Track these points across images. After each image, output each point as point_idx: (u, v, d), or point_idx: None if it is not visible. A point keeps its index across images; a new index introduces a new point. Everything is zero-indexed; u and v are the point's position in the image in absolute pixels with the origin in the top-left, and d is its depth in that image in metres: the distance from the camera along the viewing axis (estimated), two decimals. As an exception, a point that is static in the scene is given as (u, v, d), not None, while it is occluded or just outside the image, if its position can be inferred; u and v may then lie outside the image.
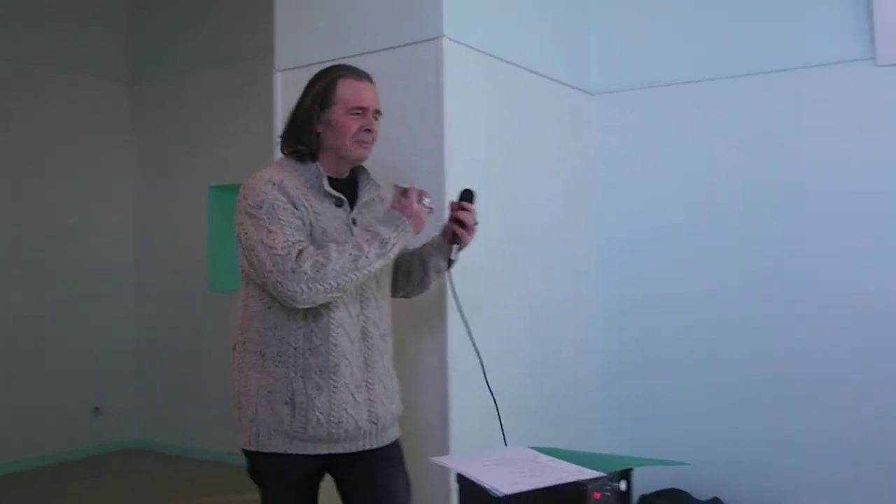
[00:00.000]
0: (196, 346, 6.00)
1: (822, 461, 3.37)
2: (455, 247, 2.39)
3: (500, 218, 3.05)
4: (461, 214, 2.37)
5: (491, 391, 2.40)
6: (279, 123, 3.36)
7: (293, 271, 2.02)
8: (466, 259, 2.48)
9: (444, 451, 2.72)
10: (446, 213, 2.47)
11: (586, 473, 1.79)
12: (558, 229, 3.62)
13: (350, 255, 2.07)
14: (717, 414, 3.57)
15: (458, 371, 2.78)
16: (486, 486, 1.72)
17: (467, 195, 2.41)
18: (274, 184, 2.15)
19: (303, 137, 2.26)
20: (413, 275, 2.47)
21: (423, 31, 2.95)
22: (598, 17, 3.94)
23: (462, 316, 2.43)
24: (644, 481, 3.35)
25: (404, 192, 2.25)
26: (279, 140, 2.35)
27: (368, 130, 2.26)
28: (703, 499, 3.51)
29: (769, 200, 3.53)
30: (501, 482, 1.73)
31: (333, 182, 2.25)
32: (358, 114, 2.24)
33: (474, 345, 2.42)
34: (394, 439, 2.31)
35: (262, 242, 2.08)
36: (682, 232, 3.73)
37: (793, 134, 3.50)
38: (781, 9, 3.55)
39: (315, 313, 2.14)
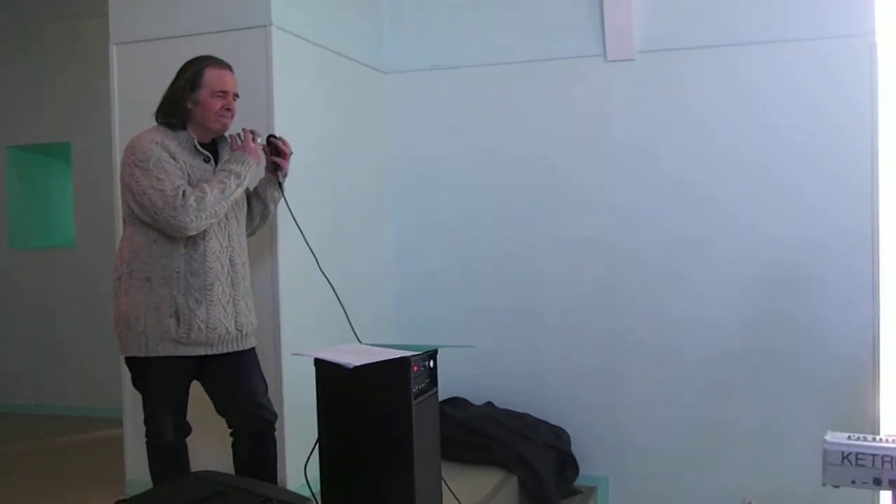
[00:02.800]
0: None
1: (556, 369, 4.35)
2: (280, 174, 3.10)
3: (316, 186, 3.72)
4: (274, 145, 3.10)
5: (331, 284, 3.05)
6: (116, 93, 3.81)
7: (182, 206, 2.64)
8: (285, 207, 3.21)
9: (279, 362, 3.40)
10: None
11: (408, 353, 2.54)
12: (362, 191, 4.30)
13: (218, 188, 2.74)
14: (488, 334, 4.40)
15: (287, 296, 3.47)
16: (342, 363, 2.42)
17: (273, 136, 3.14)
18: (157, 143, 2.75)
19: (175, 111, 2.86)
20: (254, 211, 3.14)
21: (252, 18, 3.50)
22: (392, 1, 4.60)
23: (298, 226, 3.10)
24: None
25: (241, 136, 2.94)
26: (155, 112, 2.91)
27: (228, 109, 2.90)
28: (480, 403, 4.39)
29: (520, 170, 4.39)
30: (350, 359, 2.44)
31: (200, 145, 2.88)
32: (221, 96, 2.87)
33: (310, 249, 3.09)
34: (253, 346, 2.95)
35: (153, 188, 2.67)
36: (455, 192, 4.53)
37: (539, 118, 4.37)
38: (533, 4, 4.37)
39: (193, 244, 2.75)
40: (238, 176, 2.81)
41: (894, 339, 3.87)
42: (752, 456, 4.03)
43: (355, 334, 3.01)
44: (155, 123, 2.91)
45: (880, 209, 3.84)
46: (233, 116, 2.94)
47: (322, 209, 3.82)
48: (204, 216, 2.69)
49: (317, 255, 3.09)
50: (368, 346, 2.71)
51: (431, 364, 2.67)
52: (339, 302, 2.99)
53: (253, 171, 2.92)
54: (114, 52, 3.79)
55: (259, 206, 3.13)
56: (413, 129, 4.62)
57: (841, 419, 3.71)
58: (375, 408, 2.50)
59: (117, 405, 5.17)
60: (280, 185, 3.10)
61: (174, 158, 2.75)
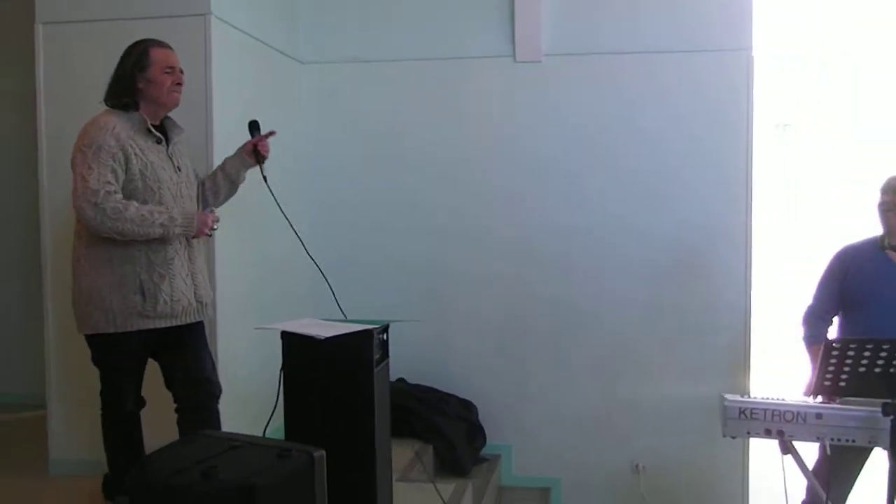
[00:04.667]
0: None
1: (463, 348, 4.68)
2: (262, 166, 3.25)
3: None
4: (261, 146, 3.23)
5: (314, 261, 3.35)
6: (41, 72, 3.79)
7: (96, 204, 2.73)
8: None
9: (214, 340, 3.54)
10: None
11: (369, 326, 2.78)
12: (282, 178, 4.39)
13: (142, 216, 2.79)
14: (399, 316, 4.62)
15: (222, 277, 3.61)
16: (313, 335, 2.63)
17: (256, 125, 3.27)
18: (109, 130, 2.83)
19: (127, 92, 2.95)
20: (221, 192, 3.27)
21: (191, 6, 3.60)
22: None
23: (282, 211, 3.28)
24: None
25: (209, 213, 3.06)
26: (104, 97, 2.98)
27: (179, 84, 3.02)
28: (392, 379, 4.62)
29: (431, 163, 4.67)
30: (320, 332, 2.65)
31: (152, 126, 2.98)
32: (169, 72, 2.98)
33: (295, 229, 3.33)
34: (209, 317, 3.12)
35: (82, 175, 2.77)
36: (369, 182, 4.76)
37: (450, 112, 4.65)
38: (447, 6, 4.65)
39: None
40: (166, 228, 2.83)
41: (762, 320, 4.42)
42: (641, 424, 4.50)
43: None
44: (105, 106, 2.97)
45: (753, 206, 4.38)
46: (181, 89, 3.05)
47: (248, 195, 3.95)
48: (109, 225, 2.74)
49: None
50: (323, 321, 2.93)
51: (385, 337, 2.91)
52: (325, 280, 3.38)
53: (180, 236, 2.93)
54: (40, 31, 3.77)
55: (227, 189, 3.27)
56: (328, 119, 4.80)
57: (718, 390, 4.21)
58: (339, 375, 2.73)
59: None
60: (265, 176, 3.22)
61: (123, 149, 2.81)
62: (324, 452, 2.01)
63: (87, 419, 3.65)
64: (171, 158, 3.00)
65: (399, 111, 4.73)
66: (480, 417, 4.58)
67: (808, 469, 2.97)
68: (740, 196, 4.38)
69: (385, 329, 2.92)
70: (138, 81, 2.94)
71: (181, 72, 3.05)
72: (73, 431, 3.77)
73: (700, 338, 4.44)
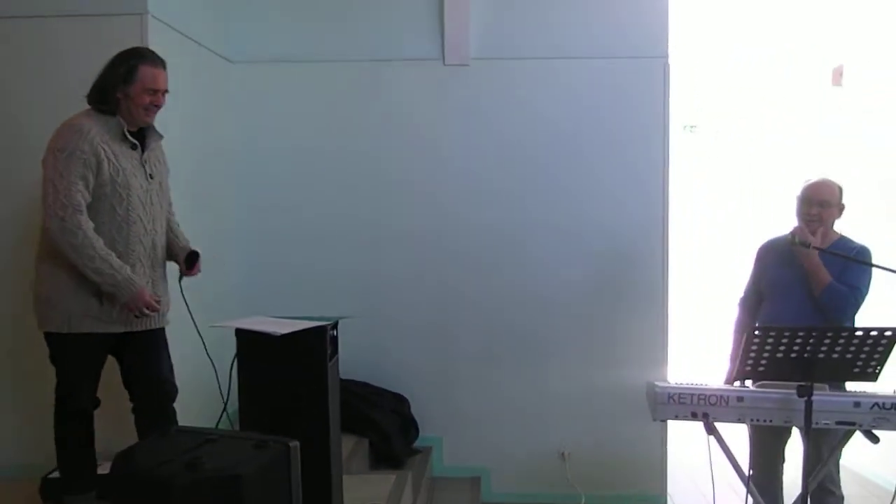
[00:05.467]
0: None
1: (395, 343, 4.79)
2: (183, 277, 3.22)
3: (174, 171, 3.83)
4: (188, 274, 3.20)
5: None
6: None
7: (62, 219, 2.75)
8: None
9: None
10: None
11: (323, 323, 2.86)
12: (210, 178, 4.49)
13: (89, 255, 2.78)
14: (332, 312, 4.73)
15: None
16: (269, 331, 2.69)
17: (193, 257, 3.20)
18: (84, 134, 2.82)
19: (106, 99, 2.95)
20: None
21: (128, 4, 3.60)
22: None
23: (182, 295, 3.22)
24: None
25: (157, 299, 2.98)
26: (87, 94, 2.97)
27: (157, 105, 3.01)
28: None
29: (359, 164, 4.77)
30: (275, 329, 2.72)
31: (128, 132, 2.98)
32: (151, 93, 2.97)
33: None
34: (166, 325, 3.13)
35: (52, 182, 2.77)
36: (298, 180, 4.82)
37: (379, 115, 4.75)
38: (378, 8, 4.74)
39: (118, 227, 2.88)
40: (102, 280, 2.81)
41: (678, 314, 4.69)
42: (565, 413, 4.71)
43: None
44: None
45: (670, 206, 4.66)
46: (158, 110, 3.04)
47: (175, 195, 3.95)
48: (61, 241, 2.76)
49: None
50: (275, 319, 3.00)
51: (335, 333, 3.00)
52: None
53: (115, 293, 2.87)
54: (-33, 25, 3.70)
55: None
56: (257, 118, 4.82)
57: (637, 377, 4.46)
58: (294, 371, 2.81)
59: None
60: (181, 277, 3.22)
61: (95, 154, 2.81)
62: (298, 443, 2.09)
63: (23, 423, 3.63)
64: (143, 165, 3.01)
65: (328, 112, 4.79)
66: (412, 410, 4.70)
67: (728, 448, 3.21)
68: (657, 194, 4.64)
69: (335, 325, 3.01)
70: (118, 91, 2.93)
71: (166, 92, 3.04)
72: (8, 435, 3.72)
73: (621, 328, 4.67)
